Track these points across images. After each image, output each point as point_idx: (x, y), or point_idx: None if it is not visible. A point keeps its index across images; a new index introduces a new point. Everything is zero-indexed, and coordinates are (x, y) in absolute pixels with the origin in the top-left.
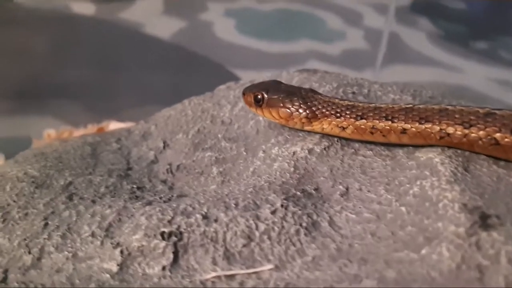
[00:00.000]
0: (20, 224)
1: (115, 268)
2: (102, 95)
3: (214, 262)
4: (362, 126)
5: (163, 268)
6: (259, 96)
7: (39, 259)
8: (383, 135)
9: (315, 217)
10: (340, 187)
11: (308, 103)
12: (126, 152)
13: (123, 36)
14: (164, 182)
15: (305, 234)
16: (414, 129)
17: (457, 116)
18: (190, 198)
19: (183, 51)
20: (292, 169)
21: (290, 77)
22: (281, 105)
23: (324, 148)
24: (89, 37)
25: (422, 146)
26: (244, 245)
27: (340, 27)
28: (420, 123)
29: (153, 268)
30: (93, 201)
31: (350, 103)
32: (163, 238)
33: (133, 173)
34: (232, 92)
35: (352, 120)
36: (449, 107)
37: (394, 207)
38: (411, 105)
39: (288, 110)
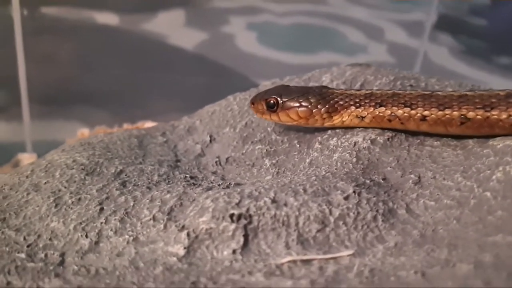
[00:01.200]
0: (74, 209)
1: (182, 252)
2: (127, 102)
3: (288, 247)
4: (380, 114)
5: (234, 251)
6: (271, 102)
7: (97, 243)
8: (401, 123)
9: (390, 204)
10: (412, 176)
11: (326, 98)
12: (173, 146)
13: (147, 46)
14: (214, 173)
15: (383, 221)
16: (434, 115)
17: (477, 100)
18: (250, 185)
19: (206, 62)
20: (354, 159)
21: (342, 71)
22: (299, 104)
23: (388, 139)
24: (114, 46)
25: (493, 136)
26: (319, 230)
27: (362, 41)
28: (439, 110)
29: (222, 252)
30: (149, 188)
31: (367, 92)
32: (232, 221)
33: (182, 165)
34: None
35: (371, 108)
36: (469, 93)
37: (477, 193)
38: (429, 92)
39: (308, 108)
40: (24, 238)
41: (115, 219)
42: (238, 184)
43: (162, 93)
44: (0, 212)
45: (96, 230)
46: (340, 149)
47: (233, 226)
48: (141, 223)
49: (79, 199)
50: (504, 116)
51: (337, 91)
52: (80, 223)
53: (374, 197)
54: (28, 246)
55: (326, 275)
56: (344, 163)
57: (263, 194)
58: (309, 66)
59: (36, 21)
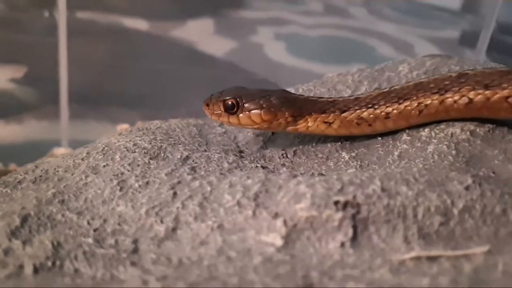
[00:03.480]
0: (143, 193)
1: (279, 241)
2: (156, 105)
3: (407, 241)
4: (348, 118)
5: (342, 244)
6: (230, 103)
7: (174, 229)
8: (369, 125)
9: None
10: None
11: (290, 101)
12: (233, 137)
13: (177, 51)
14: (284, 165)
15: None
16: (395, 111)
17: (432, 85)
18: (344, 174)
19: (237, 69)
20: (453, 151)
21: (420, 62)
22: (262, 106)
23: (488, 130)
24: (143, 51)
25: None
26: (441, 224)
27: (391, 54)
28: (399, 103)
29: (326, 244)
30: (222, 174)
31: (329, 99)
32: (338, 209)
33: (246, 156)
34: (350, 77)
35: (338, 113)
36: (424, 80)
37: None
38: (387, 88)
39: (272, 111)
40: (88, 222)
41: (193, 204)
42: (321, 175)
43: (190, 101)
44: (58, 194)
45: (173, 216)
46: (435, 141)
47: (339, 215)
48: (224, 209)
49: (147, 182)
50: (456, 97)
51: (300, 96)
52: (153, 207)
53: (497, 189)
54: (94, 231)
55: (465, 274)
56: (443, 155)
57: (366, 182)
58: None
59: (79, 24)
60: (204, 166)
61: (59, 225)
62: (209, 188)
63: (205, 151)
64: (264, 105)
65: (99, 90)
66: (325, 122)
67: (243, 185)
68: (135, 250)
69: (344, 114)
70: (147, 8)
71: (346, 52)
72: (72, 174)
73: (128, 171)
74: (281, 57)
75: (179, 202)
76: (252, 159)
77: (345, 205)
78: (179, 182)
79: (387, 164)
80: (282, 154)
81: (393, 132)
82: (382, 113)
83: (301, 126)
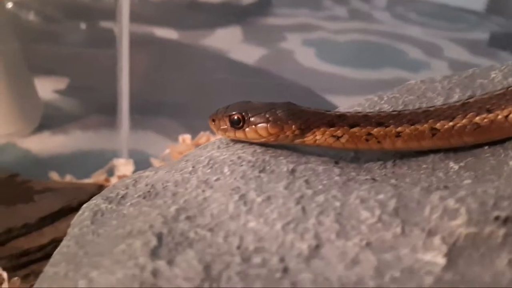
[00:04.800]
0: (270, 208)
1: (441, 260)
2: (195, 113)
3: None
4: (357, 134)
5: (509, 261)
6: (236, 118)
7: (317, 247)
8: (378, 141)
9: None
10: None
11: (297, 114)
12: None
13: (209, 59)
14: (387, 177)
15: None
16: (408, 130)
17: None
18: (481, 187)
19: (269, 76)
20: None
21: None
22: (268, 120)
23: None
24: (176, 60)
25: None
26: None
27: (421, 57)
28: (411, 125)
29: (491, 261)
30: (341, 188)
31: (338, 113)
32: (499, 225)
33: (344, 167)
34: (439, 85)
35: (347, 128)
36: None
37: None
38: (396, 111)
39: (278, 124)
40: (225, 240)
41: (329, 221)
42: (446, 188)
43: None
44: (181, 210)
45: (312, 233)
46: None
47: (502, 231)
48: (366, 226)
49: (268, 197)
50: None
51: (306, 109)
52: (287, 223)
53: None
54: (237, 249)
55: None
56: None
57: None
58: (373, 81)
59: (139, 36)
60: (314, 180)
61: (196, 243)
62: (337, 204)
63: (306, 163)
64: (270, 119)
65: (152, 101)
66: (333, 136)
67: (376, 200)
68: (286, 270)
69: (352, 129)
70: (177, 18)
71: (377, 57)
72: (185, 189)
73: (243, 185)
74: (312, 62)
75: (312, 218)
76: (352, 170)
77: (506, 220)
78: (301, 197)
79: (505, 174)
80: (380, 165)
81: (500, 141)
82: (393, 131)
83: (309, 139)
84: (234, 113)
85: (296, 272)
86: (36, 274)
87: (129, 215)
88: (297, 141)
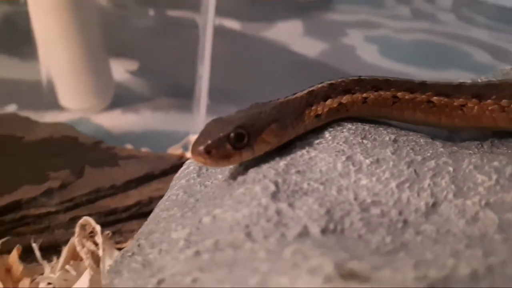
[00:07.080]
0: (380, 169)
1: None
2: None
3: None
4: (333, 106)
5: None
6: (240, 133)
7: (434, 205)
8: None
9: None
10: None
11: (283, 108)
12: None
13: (271, 50)
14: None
15: None
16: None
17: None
18: None
19: (331, 70)
20: None
21: None
22: (272, 122)
23: None
24: (237, 48)
25: None
26: None
27: (487, 60)
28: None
29: None
30: (449, 156)
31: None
32: None
33: (444, 143)
34: None
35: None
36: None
37: None
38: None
39: (281, 124)
40: (339, 193)
41: (445, 182)
42: None
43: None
44: (290, 166)
45: (428, 191)
46: None
47: None
48: (484, 188)
49: (377, 160)
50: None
51: (283, 100)
52: (401, 183)
53: None
54: (355, 200)
55: None
56: None
57: None
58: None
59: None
60: (419, 149)
61: (311, 193)
62: (450, 168)
63: (406, 135)
64: (270, 122)
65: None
66: (317, 116)
67: (491, 166)
68: (406, 221)
69: (327, 102)
70: (238, 10)
71: (441, 57)
72: (290, 150)
73: (348, 149)
74: (375, 59)
75: (427, 179)
76: (453, 145)
77: None
78: (411, 162)
79: None
80: (477, 144)
81: None
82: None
83: (301, 128)
84: (230, 132)
85: (417, 225)
86: (121, 233)
87: (236, 169)
88: (294, 134)
